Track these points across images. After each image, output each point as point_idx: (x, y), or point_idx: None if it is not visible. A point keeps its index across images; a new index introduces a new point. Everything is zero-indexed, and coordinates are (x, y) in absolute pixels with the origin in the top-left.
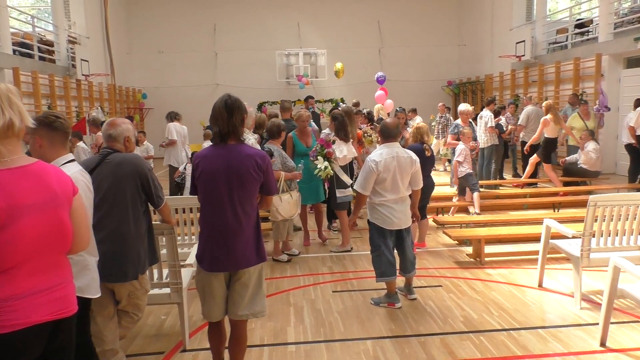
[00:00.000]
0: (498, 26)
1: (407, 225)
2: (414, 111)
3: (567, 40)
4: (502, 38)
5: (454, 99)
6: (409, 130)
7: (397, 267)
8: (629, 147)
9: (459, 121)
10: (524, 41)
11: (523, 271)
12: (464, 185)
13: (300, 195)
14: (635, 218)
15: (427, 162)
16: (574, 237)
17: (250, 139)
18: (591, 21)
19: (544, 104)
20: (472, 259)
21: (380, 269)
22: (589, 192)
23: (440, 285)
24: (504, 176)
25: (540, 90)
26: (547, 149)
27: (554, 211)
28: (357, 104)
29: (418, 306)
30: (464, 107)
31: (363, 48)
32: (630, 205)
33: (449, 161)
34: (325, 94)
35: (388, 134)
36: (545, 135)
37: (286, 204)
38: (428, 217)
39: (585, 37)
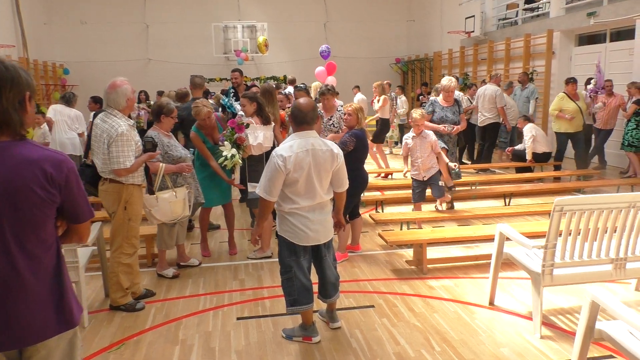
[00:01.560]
0: (448, 0)
1: (326, 240)
2: (357, 88)
3: (517, 16)
4: (452, 13)
5: (402, 77)
6: (399, 110)
7: (316, 290)
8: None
9: (438, 98)
10: (473, 16)
11: (471, 282)
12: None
13: (190, 192)
14: (607, 224)
15: (364, 151)
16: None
17: (122, 125)
18: None
19: (374, 85)
20: (412, 267)
21: (291, 296)
22: (540, 179)
23: (373, 306)
24: (464, 161)
25: (490, 69)
26: (382, 129)
27: (505, 204)
28: (292, 81)
29: (341, 339)
30: (446, 81)
31: (307, 22)
32: (603, 210)
33: (396, 143)
34: (267, 71)
35: (301, 119)
36: (380, 116)
37: (166, 205)
38: (362, 212)
39: (536, 13)
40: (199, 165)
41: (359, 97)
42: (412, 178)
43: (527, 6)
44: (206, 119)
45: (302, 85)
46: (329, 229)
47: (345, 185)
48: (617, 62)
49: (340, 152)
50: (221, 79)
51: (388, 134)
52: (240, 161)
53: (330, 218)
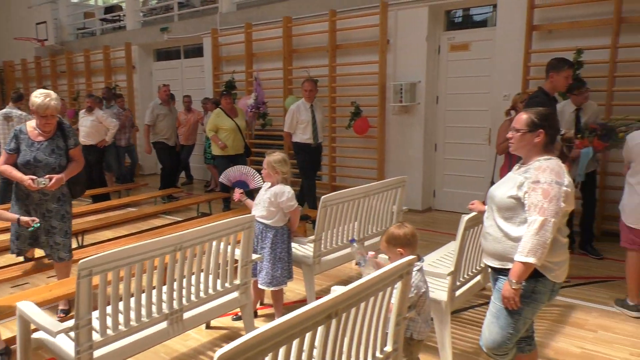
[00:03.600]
0: (15, 2)
1: None
2: None
3: (96, 26)
4: (21, 17)
5: None
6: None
7: None
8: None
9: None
10: (45, 22)
11: None
12: None
13: None
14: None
15: None
16: None
17: None
18: (121, 7)
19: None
20: None
21: None
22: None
23: None
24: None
25: (72, 82)
26: None
27: (79, 244)
28: None
29: None
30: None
31: None
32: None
33: None
34: None
35: None
36: None
37: None
38: None
39: (115, 25)
40: None
41: None
42: None
43: (104, 17)
44: None
45: None
46: None
47: None
48: (192, 79)
49: None
50: None
51: None
52: None
53: None
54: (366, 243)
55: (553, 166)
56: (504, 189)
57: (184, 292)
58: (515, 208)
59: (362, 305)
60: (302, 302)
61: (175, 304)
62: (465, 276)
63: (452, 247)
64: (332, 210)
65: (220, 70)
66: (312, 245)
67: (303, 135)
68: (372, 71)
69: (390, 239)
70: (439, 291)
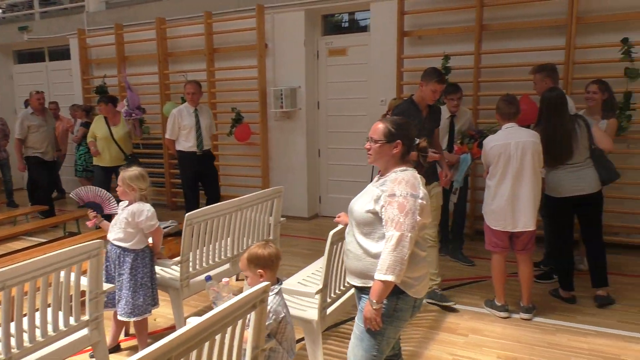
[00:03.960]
0: None
1: None
2: None
3: None
4: None
5: None
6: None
7: None
8: None
9: None
10: None
11: None
12: None
13: None
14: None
15: None
16: None
17: None
18: None
19: None
20: None
21: None
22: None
23: None
24: None
25: None
26: None
27: None
28: None
29: None
30: None
31: None
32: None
33: None
34: None
35: None
36: None
37: None
38: None
39: None
40: None
41: None
42: None
43: None
44: None
45: None
46: None
47: None
48: (59, 83)
49: None
50: None
51: None
52: None
53: None
54: None
55: (408, 178)
56: (361, 203)
57: (15, 339)
58: (373, 223)
59: (219, 337)
60: (173, 328)
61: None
62: (337, 291)
63: (321, 264)
64: (200, 228)
65: (90, 75)
66: (178, 267)
67: (186, 143)
68: (251, 76)
69: (253, 259)
70: (310, 310)
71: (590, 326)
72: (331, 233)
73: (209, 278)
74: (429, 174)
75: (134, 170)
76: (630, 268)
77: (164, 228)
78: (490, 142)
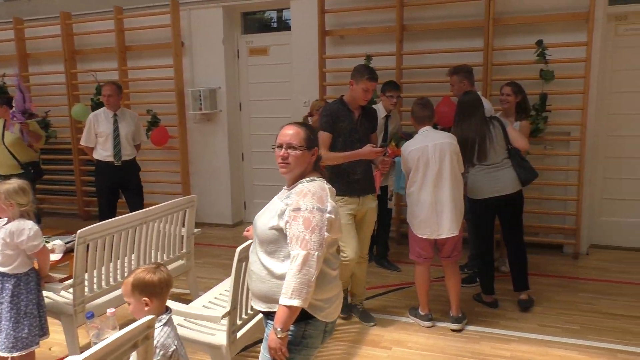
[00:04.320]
0: None
1: None
2: None
3: None
4: None
5: None
6: None
7: None
8: None
9: None
10: None
11: None
12: None
13: None
14: None
15: None
16: None
17: None
18: None
19: None
20: None
21: None
22: None
23: None
24: None
25: None
26: None
27: None
28: None
29: None
30: None
31: None
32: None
33: None
34: None
35: None
36: None
37: None
38: None
39: None
40: None
41: None
42: None
43: None
44: None
45: None
46: None
47: None
48: None
49: None
50: None
51: None
52: None
53: None
54: None
55: (315, 190)
56: (265, 219)
57: None
58: (278, 240)
59: None
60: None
61: None
62: (250, 312)
63: (228, 284)
64: (97, 245)
65: None
66: (71, 291)
67: (103, 152)
68: (167, 76)
69: (138, 284)
70: (218, 334)
71: (512, 332)
72: (239, 249)
73: (90, 315)
74: (365, 186)
75: (11, 184)
76: (549, 268)
77: (67, 243)
78: (408, 147)
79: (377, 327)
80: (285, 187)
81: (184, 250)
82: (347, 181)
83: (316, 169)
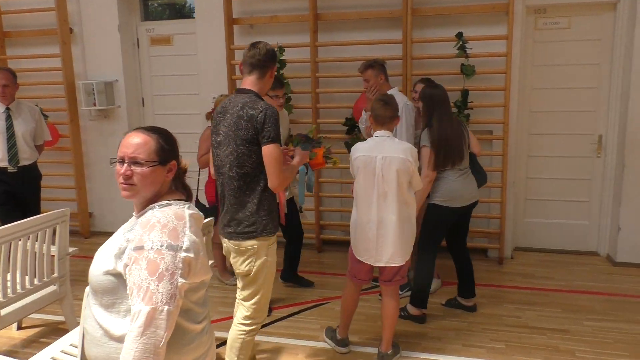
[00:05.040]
0: None
1: None
2: None
3: None
4: None
5: None
6: None
7: None
8: None
9: None
10: None
11: None
12: None
13: None
14: None
15: None
16: None
17: None
18: None
19: None
20: None
21: None
22: None
23: None
24: None
25: None
26: None
27: None
28: None
29: None
30: None
31: None
32: None
33: None
34: None
35: None
36: None
37: None
38: None
39: None
40: None
41: None
42: None
43: None
44: None
45: None
46: None
47: None
48: None
49: None
50: None
51: None
52: None
53: None
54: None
55: (168, 219)
56: (100, 260)
57: None
58: (116, 290)
59: None
60: None
61: None
62: None
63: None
64: None
65: None
66: None
67: None
68: (55, 67)
69: None
70: None
71: (434, 355)
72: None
73: None
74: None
75: None
76: (475, 275)
77: None
78: (356, 152)
79: (286, 354)
80: (134, 213)
81: (55, 275)
82: (277, 214)
83: (177, 188)
